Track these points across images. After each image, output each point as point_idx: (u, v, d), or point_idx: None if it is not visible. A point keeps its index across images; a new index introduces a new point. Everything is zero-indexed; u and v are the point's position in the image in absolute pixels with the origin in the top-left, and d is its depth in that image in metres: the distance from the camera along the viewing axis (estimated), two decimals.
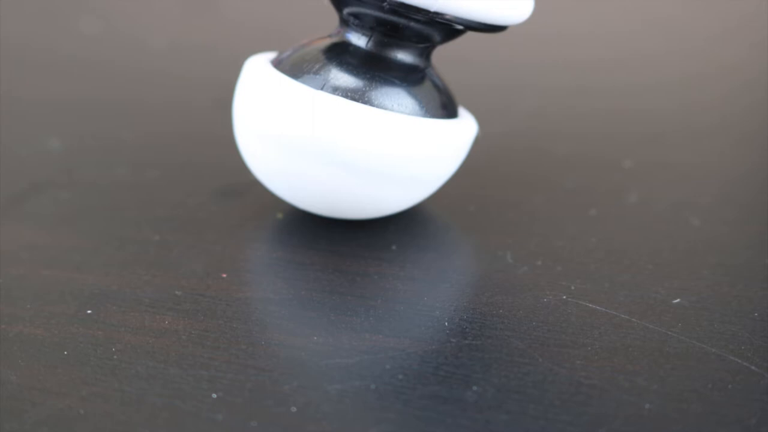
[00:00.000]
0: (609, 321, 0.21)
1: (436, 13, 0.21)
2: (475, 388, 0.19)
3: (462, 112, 0.25)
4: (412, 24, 0.22)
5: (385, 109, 0.22)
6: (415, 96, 0.23)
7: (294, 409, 0.18)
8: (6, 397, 0.18)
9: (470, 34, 0.23)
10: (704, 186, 0.28)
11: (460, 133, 0.23)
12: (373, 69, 0.22)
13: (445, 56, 0.27)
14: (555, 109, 0.35)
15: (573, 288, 0.22)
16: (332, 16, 0.24)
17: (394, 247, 0.24)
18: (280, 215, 0.26)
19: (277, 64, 0.23)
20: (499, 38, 0.25)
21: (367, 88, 0.22)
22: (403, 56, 0.23)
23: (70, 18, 0.46)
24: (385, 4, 0.21)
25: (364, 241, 0.24)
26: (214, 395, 0.18)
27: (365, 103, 0.22)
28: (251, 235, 0.25)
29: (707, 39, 0.43)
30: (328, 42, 0.23)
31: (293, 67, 0.23)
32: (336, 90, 0.22)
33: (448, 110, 0.24)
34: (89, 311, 0.21)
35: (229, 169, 0.28)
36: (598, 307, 0.21)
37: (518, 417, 0.18)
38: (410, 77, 0.23)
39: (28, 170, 0.29)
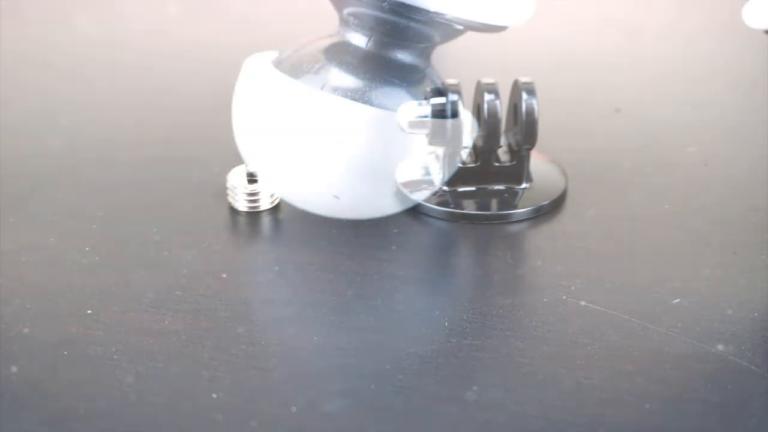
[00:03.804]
0: (609, 321, 0.21)
1: (436, 13, 0.21)
2: (475, 388, 0.19)
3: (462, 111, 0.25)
4: (412, 24, 0.22)
5: (385, 109, 0.22)
6: (415, 96, 0.23)
7: (294, 409, 0.18)
8: (6, 396, 0.18)
9: (470, 34, 0.23)
10: (704, 186, 0.28)
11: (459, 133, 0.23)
12: (373, 69, 0.22)
13: (445, 56, 0.27)
14: (555, 109, 0.35)
15: (573, 288, 0.22)
16: (332, 16, 0.24)
17: (394, 247, 0.24)
18: (280, 215, 0.26)
19: (277, 64, 0.23)
20: (499, 38, 0.25)
21: (367, 88, 0.22)
22: (403, 56, 0.23)
23: (70, 18, 0.46)
24: (385, 4, 0.21)
25: (364, 241, 0.24)
26: (214, 395, 0.18)
27: (365, 103, 0.22)
28: (251, 235, 0.25)
29: (707, 39, 0.43)
30: (328, 42, 0.23)
31: (293, 67, 0.23)
32: (336, 90, 0.22)
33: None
34: (89, 311, 0.21)
35: (228, 168, 0.28)
36: (598, 307, 0.21)
37: (518, 417, 0.18)
38: (410, 77, 0.23)
39: (28, 170, 0.29)
